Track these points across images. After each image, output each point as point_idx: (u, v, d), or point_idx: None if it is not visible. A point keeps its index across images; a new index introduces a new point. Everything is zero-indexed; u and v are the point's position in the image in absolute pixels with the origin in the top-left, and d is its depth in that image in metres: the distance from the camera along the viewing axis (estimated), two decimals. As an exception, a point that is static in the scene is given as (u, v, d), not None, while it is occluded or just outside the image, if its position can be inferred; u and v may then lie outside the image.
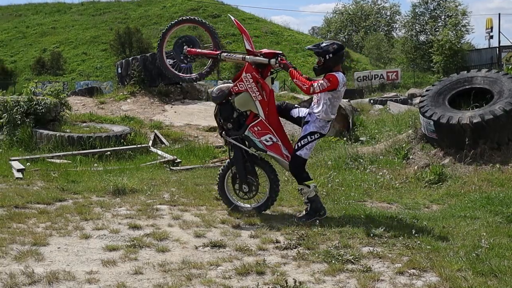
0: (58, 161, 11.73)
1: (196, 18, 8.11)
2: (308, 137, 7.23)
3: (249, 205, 7.66)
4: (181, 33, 8.64)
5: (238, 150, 7.52)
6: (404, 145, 10.79)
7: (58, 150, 12.57)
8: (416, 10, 64.33)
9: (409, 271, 5.19)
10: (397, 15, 79.93)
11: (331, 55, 7.12)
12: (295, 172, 7.35)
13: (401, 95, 34.89)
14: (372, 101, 30.50)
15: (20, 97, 14.40)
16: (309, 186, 7.26)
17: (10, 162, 11.21)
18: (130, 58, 22.23)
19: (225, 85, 7.58)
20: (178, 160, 12.15)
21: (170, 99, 20.07)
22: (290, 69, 7.19)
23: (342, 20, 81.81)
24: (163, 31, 8.13)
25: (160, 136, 15.43)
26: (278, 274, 5.09)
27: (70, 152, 12.30)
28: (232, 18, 7.91)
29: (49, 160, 11.80)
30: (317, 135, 7.28)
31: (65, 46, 64.61)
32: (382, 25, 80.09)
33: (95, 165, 11.53)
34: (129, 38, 58.22)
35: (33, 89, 14.55)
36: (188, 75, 8.12)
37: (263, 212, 7.59)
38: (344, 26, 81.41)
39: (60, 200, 8.39)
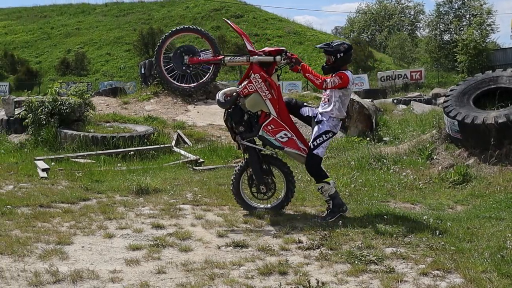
0: (82, 160, 11.84)
1: (191, 26, 8.10)
2: (324, 135, 7.26)
3: (269, 205, 7.67)
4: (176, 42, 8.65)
5: (253, 152, 7.52)
6: (428, 145, 10.71)
7: (82, 150, 12.69)
8: (440, 9, 63.78)
9: (433, 272, 5.15)
10: (421, 14, 79.32)
11: (342, 54, 7.26)
12: (314, 171, 7.37)
13: (425, 95, 34.61)
14: (395, 101, 30.30)
15: (45, 97, 14.55)
16: (328, 183, 7.29)
17: (35, 161, 11.34)
18: (153, 59, 22.31)
19: (229, 89, 7.54)
20: (201, 160, 12.19)
21: (193, 99, 20.11)
22: (302, 63, 7.26)
23: (365, 19, 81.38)
24: (159, 42, 8.09)
25: (183, 136, 15.49)
26: (301, 274, 5.08)
27: (94, 152, 12.41)
28: (229, 21, 7.77)
29: (73, 159, 11.91)
30: (331, 134, 7.36)
31: (89, 46, 65.08)
32: (406, 24, 79.50)
33: (119, 164, 11.62)
34: (152, 38, 58.40)
35: (57, 90, 14.67)
36: (188, 84, 8.12)
37: (282, 210, 7.59)
38: (367, 25, 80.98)
39: (84, 200, 8.46)
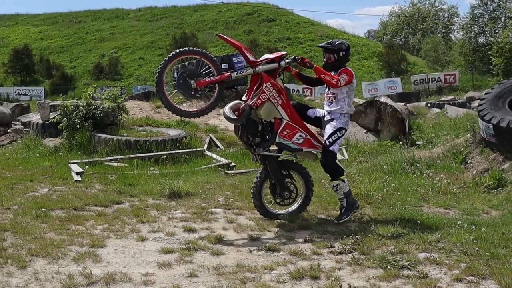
0: (115, 164, 11.96)
1: (189, 48, 7.65)
2: (338, 132, 7.36)
3: (290, 209, 7.69)
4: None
5: (273, 160, 7.53)
6: (462, 149, 10.57)
7: (115, 154, 12.82)
8: (475, 12, 63.04)
9: (467, 278, 5.07)
10: (455, 17, 78.51)
11: (344, 53, 7.51)
12: (331, 167, 7.40)
13: (459, 98, 34.23)
14: (429, 104, 30.02)
15: (79, 101, 14.73)
16: (344, 181, 7.39)
17: (69, 165, 11.49)
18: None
19: (234, 103, 7.46)
20: (233, 164, 12.21)
21: (225, 103, 20.13)
22: (315, 66, 7.34)
23: (398, 22, 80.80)
24: (158, 70, 7.57)
25: (215, 140, 15.54)
26: (333, 279, 5.05)
27: (127, 156, 12.53)
28: (224, 36, 7.64)
29: (107, 163, 12.04)
30: (344, 131, 7.46)
31: (123, 51, 65.80)
32: (440, 27, 78.75)
33: (151, 168, 11.70)
34: (185, 43, 58.77)
35: (91, 94, 14.85)
36: (195, 110, 7.79)
37: (318, 216, 7.57)
38: (400, 28, 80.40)
39: (117, 203, 8.54)
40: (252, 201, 7.68)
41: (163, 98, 7.45)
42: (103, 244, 6.27)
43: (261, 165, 7.68)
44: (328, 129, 7.35)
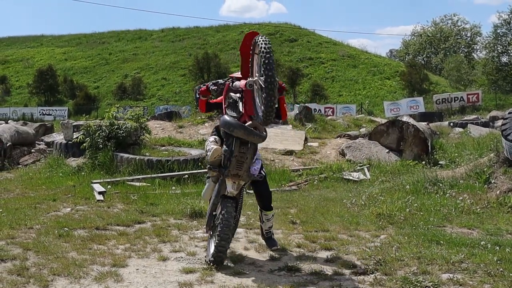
0: (137, 184, 12.02)
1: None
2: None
3: None
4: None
5: None
6: (486, 169, 10.47)
7: (137, 173, 12.88)
8: (498, 31, 62.61)
9: (492, 299, 5.01)
10: (477, 36, 78.11)
11: None
12: (270, 197, 7.08)
13: (482, 118, 33.94)
14: (451, 124, 29.80)
15: (102, 121, 14.87)
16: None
17: (91, 184, 11.57)
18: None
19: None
20: (255, 183, 12.18)
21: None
22: None
23: (420, 42, 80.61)
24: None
25: (237, 159, 15.55)
26: (354, 300, 5.01)
27: (149, 175, 12.58)
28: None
29: (129, 183, 12.10)
30: None
31: (146, 71, 66.37)
32: (462, 46, 78.41)
33: (173, 188, 11.73)
34: (207, 63, 59.26)
35: (114, 114, 14.97)
36: None
37: (340, 236, 7.52)
38: (422, 48, 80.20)
39: (139, 222, 8.57)
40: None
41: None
42: (124, 263, 6.29)
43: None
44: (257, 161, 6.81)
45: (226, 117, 6.26)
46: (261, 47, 5.74)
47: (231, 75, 6.91)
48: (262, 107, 5.75)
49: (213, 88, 6.96)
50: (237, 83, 6.63)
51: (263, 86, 5.70)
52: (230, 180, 6.26)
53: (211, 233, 6.40)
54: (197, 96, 7.01)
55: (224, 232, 6.07)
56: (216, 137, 6.57)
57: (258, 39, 5.92)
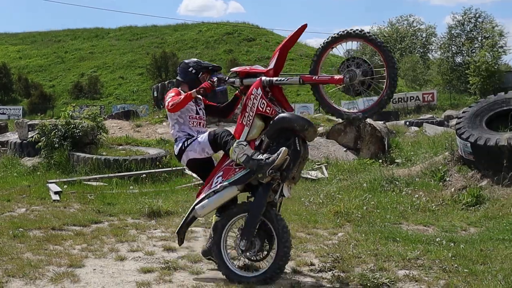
0: (94, 183, 11.88)
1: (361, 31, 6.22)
2: None
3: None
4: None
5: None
6: (441, 167, 10.66)
7: (94, 173, 12.73)
8: (452, 32, 63.75)
9: (446, 295, 5.10)
10: (433, 36, 79.25)
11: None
12: None
13: (437, 117, 34.53)
14: (407, 123, 30.21)
15: (58, 121, 14.65)
16: None
17: (47, 184, 11.39)
18: (166, 82, 22.54)
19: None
20: (213, 182, 12.16)
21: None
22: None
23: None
24: (317, 53, 6.43)
25: (195, 158, 15.50)
26: (313, 297, 5.04)
27: (107, 175, 12.45)
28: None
29: (86, 182, 11.95)
30: None
31: (103, 70, 65.61)
32: (418, 46, 79.50)
33: (131, 187, 11.64)
34: (165, 62, 58.89)
35: (70, 113, 14.78)
36: (358, 111, 6.38)
37: (298, 234, 7.55)
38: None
39: (96, 222, 8.48)
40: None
41: (320, 98, 6.24)
42: (81, 264, 6.21)
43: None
44: None
45: (288, 114, 5.78)
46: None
47: (238, 69, 6.25)
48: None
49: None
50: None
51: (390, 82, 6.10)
52: (287, 183, 5.79)
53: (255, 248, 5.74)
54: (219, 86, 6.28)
55: (289, 241, 5.62)
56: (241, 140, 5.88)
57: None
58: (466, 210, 9.00)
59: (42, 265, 6.11)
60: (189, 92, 5.98)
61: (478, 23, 62.57)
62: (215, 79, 6.08)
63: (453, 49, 63.08)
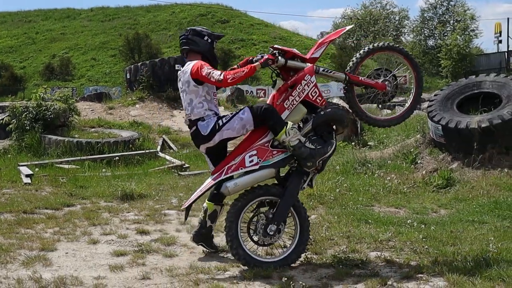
0: (66, 166, 11.79)
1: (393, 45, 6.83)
2: None
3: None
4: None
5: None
6: (412, 149, 10.76)
7: (66, 156, 12.64)
8: (425, 15, 64.26)
9: (417, 275, 5.17)
10: (405, 20, 79.59)
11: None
12: None
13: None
14: (380, 106, 30.39)
15: (29, 102, 14.50)
16: None
17: (18, 167, 11.28)
18: (139, 64, 22.34)
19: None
20: (186, 165, 12.17)
21: (179, 104, 20.10)
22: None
23: (350, 25, 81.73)
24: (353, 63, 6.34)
25: (169, 141, 15.48)
26: (286, 278, 5.07)
27: (79, 158, 12.37)
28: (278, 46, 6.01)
29: (58, 165, 11.86)
30: None
31: (74, 51, 64.80)
32: (391, 29, 79.81)
33: (104, 170, 11.58)
34: (138, 43, 58.27)
35: (42, 95, 14.61)
36: (392, 117, 6.78)
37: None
38: (352, 31, 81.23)
39: (68, 206, 8.43)
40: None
41: (351, 99, 6.33)
42: (53, 247, 6.18)
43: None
44: None
45: (341, 109, 5.92)
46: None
47: (284, 48, 5.95)
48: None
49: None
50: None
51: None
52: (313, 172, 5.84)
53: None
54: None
55: (309, 230, 5.80)
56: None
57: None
58: (437, 192, 9.12)
59: (14, 249, 6.06)
60: (253, 65, 5.63)
61: (450, 6, 63.16)
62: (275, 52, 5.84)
63: (425, 32, 63.62)
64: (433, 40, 63.07)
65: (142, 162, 12.78)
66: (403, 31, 79.99)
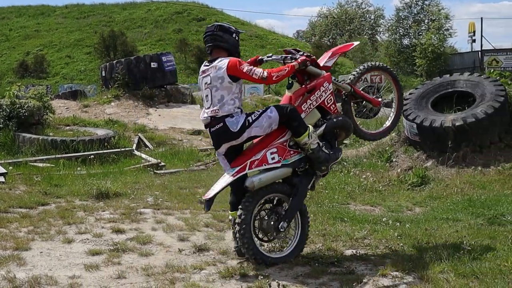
0: (41, 165, 11.68)
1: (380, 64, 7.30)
2: None
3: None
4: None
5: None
6: (388, 148, 10.84)
7: (41, 154, 12.51)
8: (400, 14, 64.60)
9: (392, 273, 5.21)
10: (381, 19, 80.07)
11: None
12: None
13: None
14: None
15: (2, 100, 14.33)
16: None
17: (-8, 166, 11.13)
18: (115, 61, 22.19)
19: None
20: (162, 163, 12.13)
21: (155, 102, 20.04)
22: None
23: (326, 23, 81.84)
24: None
25: (144, 139, 15.40)
26: (262, 277, 5.08)
27: (53, 156, 12.25)
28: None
29: (32, 164, 11.74)
30: None
31: (49, 49, 64.14)
32: (366, 28, 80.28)
33: (78, 168, 11.48)
34: (113, 41, 57.86)
35: (16, 93, 14.46)
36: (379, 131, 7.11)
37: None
38: (328, 29, 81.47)
39: (43, 204, 8.35)
40: (181, 201, 7.56)
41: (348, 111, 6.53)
42: (27, 247, 6.11)
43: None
44: None
45: (349, 119, 6.35)
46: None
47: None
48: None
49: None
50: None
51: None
52: None
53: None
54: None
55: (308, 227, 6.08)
56: None
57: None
58: (412, 190, 9.21)
59: (-13, 248, 6.00)
60: (292, 64, 5.79)
61: (425, 6, 63.58)
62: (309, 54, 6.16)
63: (400, 31, 63.99)
64: (408, 39, 63.44)
65: (117, 161, 12.70)
66: (378, 30, 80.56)
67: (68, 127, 15.55)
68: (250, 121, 5.65)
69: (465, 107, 10.11)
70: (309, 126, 5.78)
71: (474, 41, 55.87)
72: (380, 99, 6.86)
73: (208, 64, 5.84)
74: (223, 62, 5.69)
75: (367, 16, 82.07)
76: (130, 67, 20.62)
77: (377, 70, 7.28)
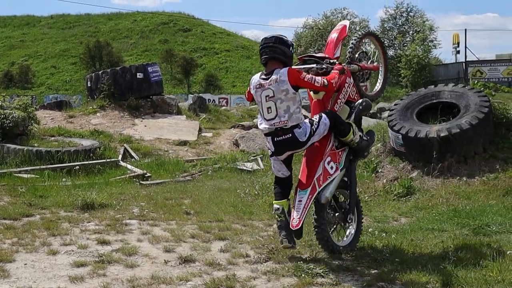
0: (25, 175, 11.59)
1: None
2: None
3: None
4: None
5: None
6: (373, 158, 10.87)
7: (25, 165, 12.41)
8: (385, 25, 65.16)
9: (378, 284, 5.22)
10: (366, 30, 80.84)
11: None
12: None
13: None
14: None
15: (-14, 111, 14.21)
16: None
17: (-24, 177, 11.05)
18: (100, 72, 22.13)
19: None
20: (148, 174, 12.10)
21: (140, 113, 19.98)
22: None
23: (312, 34, 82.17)
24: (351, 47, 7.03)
25: (130, 150, 15.35)
26: (248, 288, 5.07)
27: (38, 167, 12.16)
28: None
29: (16, 174, 11.64)
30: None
31: (34, 59, 63.99)
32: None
33: (64, 179, 11.41)
34: (99, 51, 57.89)
35: (0, 103, 14.36)
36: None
37: (233, 225, 7.58)
38: (314, 40, 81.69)
39: (27, 216, 8.28)
40: (167, 212, 7.54)
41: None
42: (11, 258, 6.05)
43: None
44: None
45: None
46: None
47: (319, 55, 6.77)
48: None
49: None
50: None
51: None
52: None
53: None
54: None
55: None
56: None
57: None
58: (398, 200, 9.24)
59: (-29, 260, 5.94)
60: (337, 73, 6.15)
61: (409, 17, 64.15)
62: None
63: (385, 42, 64.36)
64: (393, 50, 63.93)
65: (103, 171, 12.63)
66: (363, 41, 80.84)
67: (53, 138, 15.46)
68: (314, 129, 5.91)
69: (450, 118, 10.17)
70: (351, 123, 6.15)
71: (458, 52, 56.41)
72: (376, 63, 7.32)
73: (266, 77, 5.93)
74: (283, 74, 5.82)
75: (352, 27, 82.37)
76: (116, 77, 20.56)
77: (366, 37, 7.79)
